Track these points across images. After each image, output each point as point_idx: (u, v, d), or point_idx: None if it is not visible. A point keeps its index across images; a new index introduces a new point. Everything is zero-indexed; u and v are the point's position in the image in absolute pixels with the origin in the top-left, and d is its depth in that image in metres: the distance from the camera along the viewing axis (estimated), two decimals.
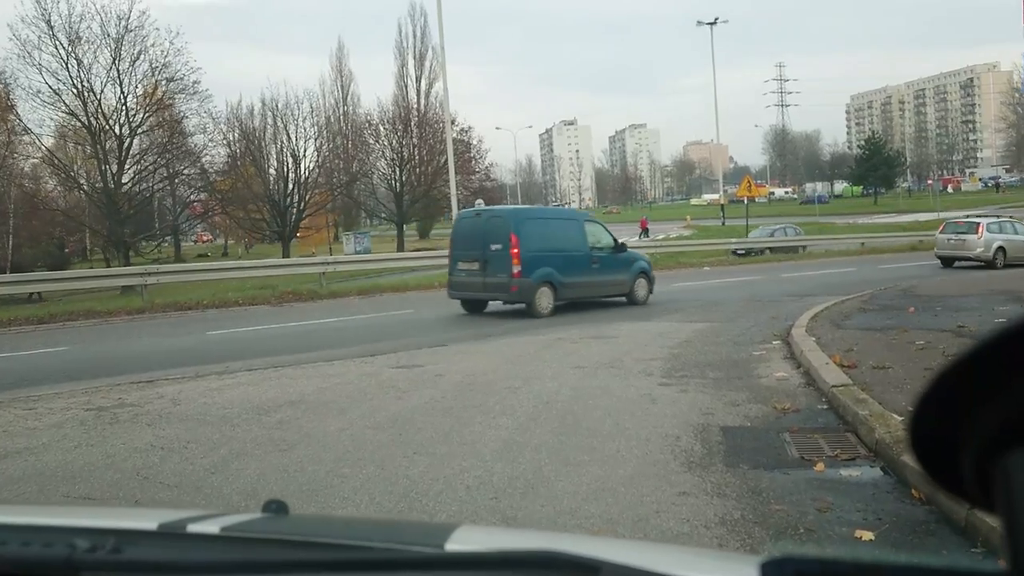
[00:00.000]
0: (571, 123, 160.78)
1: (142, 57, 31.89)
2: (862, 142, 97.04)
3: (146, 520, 0.95)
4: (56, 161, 34.27)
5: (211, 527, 0.92)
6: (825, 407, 5.63)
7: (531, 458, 4.53)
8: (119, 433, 5.52)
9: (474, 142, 45.55)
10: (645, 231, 46.77)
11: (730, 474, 4.17)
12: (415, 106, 47.57)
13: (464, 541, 0.89)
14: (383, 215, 50.58)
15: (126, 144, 33.00)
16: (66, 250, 43.92)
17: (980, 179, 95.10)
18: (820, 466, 4.27)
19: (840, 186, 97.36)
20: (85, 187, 34.46)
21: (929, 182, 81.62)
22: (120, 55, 31.52)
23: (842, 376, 6.10)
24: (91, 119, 32.05)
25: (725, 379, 6.81)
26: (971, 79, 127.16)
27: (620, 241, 14.06)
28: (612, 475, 4.17)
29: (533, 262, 12.38)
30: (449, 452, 4.72)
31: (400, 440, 5.05)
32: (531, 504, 3.80)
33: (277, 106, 39.93)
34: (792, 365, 7.39)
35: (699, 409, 5.65)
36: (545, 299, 12.53)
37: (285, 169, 40.30)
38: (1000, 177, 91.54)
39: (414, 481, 4.19)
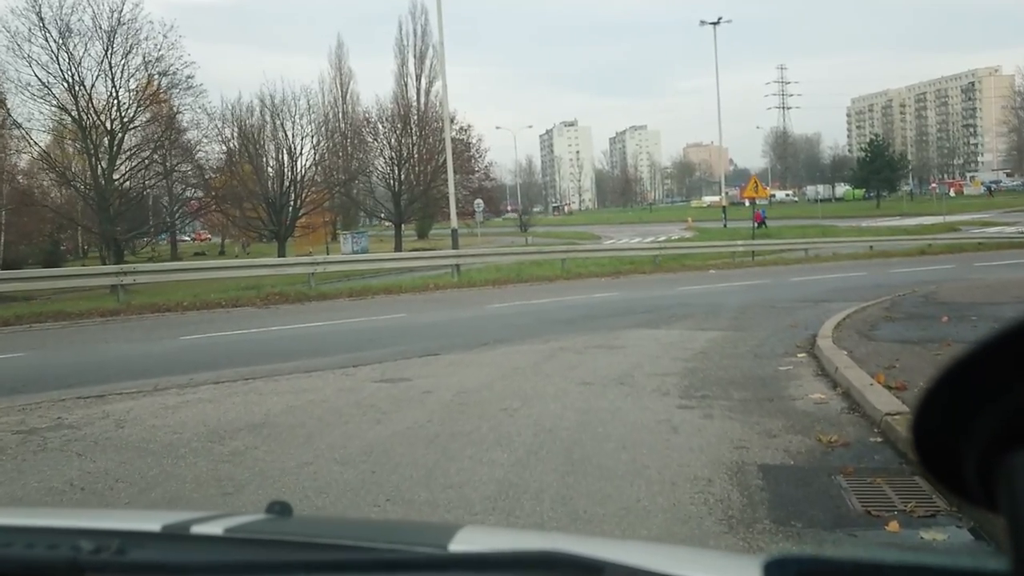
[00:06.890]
0: (571, 124, 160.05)
1: (135, 51, 31.11)
2: (863, 145, 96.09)
3: (150, 522, 0.93)
4: (48, 157, 33.41)
5: (215, 528, 0.90)
6: (879, 440, 4.73)
7: (530, 509, 3.66)
8: (39, 466, 4.64)
9: (473, 141, 44.64)
10: (761, 223, 42.80)
11: (781, 535, 3.30)
12: (415, 104, 46.70)
13: (467, 542, 0.87)
14: (382, 215, 49.72)
15: (118, 139, 32.14)
16: (62, 248, 43.23)
17: (982, 183, 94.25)
18: (894, 525, 3.40)
19: (842, 189, 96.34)
20: (78, 184, 33.58)
21: (933, 185, 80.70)
22: (112, 48, 30.75)
23: (893, 401, 5.20)
24: (82, 114, 31.21)
25: (753, 400, 5.92)
26: (972, 83, 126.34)
27: None
28: (634, 537, 3.30)
29: None
30: (430, 499, 3.85)
31: (372, 480, 4.17)
32: None
33: (273, 101, 39.07)
34: (827, 384, 6.50)
35: (730, 441, 4.77)
36: None
37: (281, 167, 39.43)
38: (1000, 181, 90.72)
39: None
